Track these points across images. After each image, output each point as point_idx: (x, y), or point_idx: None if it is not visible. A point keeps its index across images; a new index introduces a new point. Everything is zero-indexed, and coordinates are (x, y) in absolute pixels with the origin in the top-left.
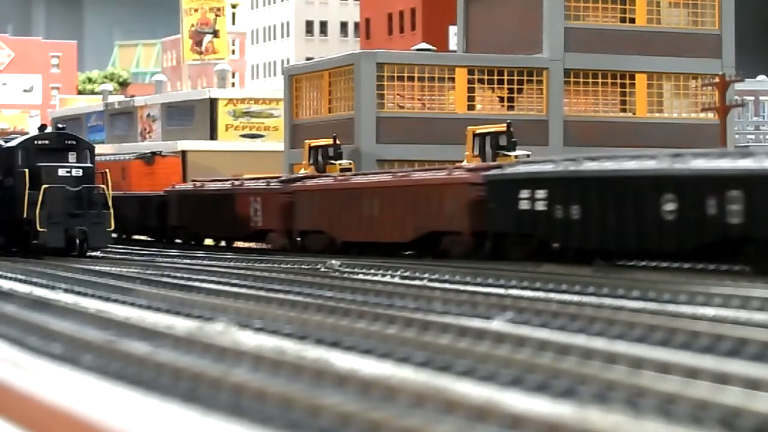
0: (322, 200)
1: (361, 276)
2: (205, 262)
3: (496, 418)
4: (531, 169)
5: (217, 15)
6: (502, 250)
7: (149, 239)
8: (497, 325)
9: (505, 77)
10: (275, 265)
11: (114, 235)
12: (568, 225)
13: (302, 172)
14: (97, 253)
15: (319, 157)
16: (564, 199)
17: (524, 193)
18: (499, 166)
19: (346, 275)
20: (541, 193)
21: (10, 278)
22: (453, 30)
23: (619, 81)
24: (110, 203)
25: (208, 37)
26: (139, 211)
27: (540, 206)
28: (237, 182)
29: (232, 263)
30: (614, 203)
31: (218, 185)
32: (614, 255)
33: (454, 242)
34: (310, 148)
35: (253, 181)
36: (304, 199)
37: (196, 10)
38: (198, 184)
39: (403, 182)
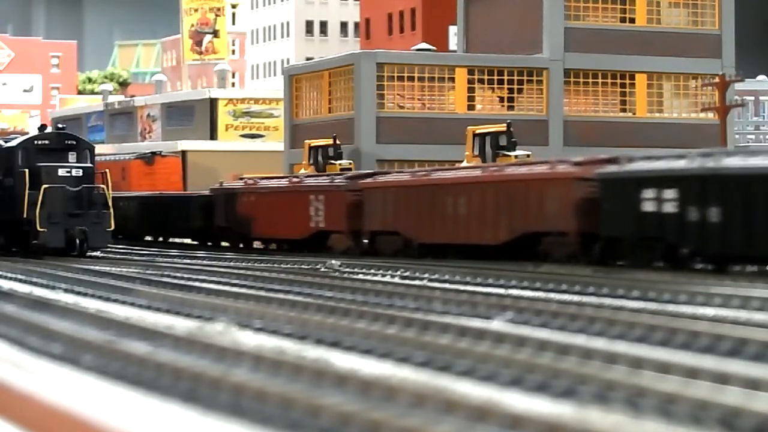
0: (397, 198)
1: (361, 276)
2: (205, 262)
3: (496, 418)
4: (656, 167)
5: (217, 15)
6: (615, 254)
7: (192, 242)
8: (497, 325)
9: (505, 77)
10: (275, 265)
11: (148, 238)
12: (705, 228)
13: (302, 172)
14: (97, 253)
15: (319, 157)
16: (700, 199)
17: (648, 193)
18: (613, 161)
19: (346, 275)
20: (670, 193)
21: (10, 278)
22: (453, 30)
23: (619, 81)
24: (110, 203)
25: (208, 37)
26: (178, 212)
27: (669, 208)
28: (295, 179)
29: (232, 263)
30: (764, 204)
31: (273, 183)
32: (759, 261)
33: (556, 244)
34: (310, 148)
35: (313, 178)
36: (376, 197)
37: (196, 10)
38: (249, 181)
39: (496, 177)
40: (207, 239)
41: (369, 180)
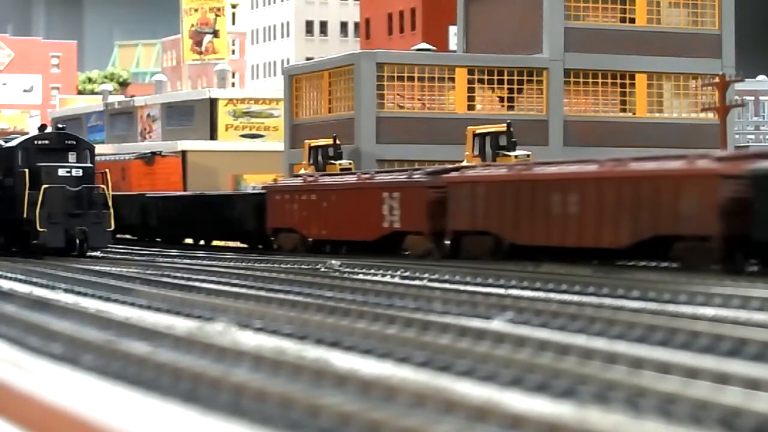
0: (489, 194)
1: (361, 276)
2: (205, 262)
3: (496, 418)
4: None
5: (217, 15)
6: None
7: (241, 246)
8: (497, 325)
9: (505, 77)
10: (275, 265)
11: (189, 241)
12: None
13: (302, 171)
14: (97, 253)
15: (319, 157)
16: None
17: None
18: (764, 156)
19: (346, 275)
20: None
21: (10, 278)
22: (453, 30)
23: (619, 81)
24: (110, 203)
25: (208, 37)
26: (227, 213)
27: None
28: (365, 175)
29: (232, 263)
30: None
31: (338, 179)
32: None
33: (693, 250)
34: (310, 148)
35: (385, 174)
36: (463, 194)
37: (196, 10)
38: (310, 177)
39: (618, 173)
40: (259, 243)
41: (455, 175)
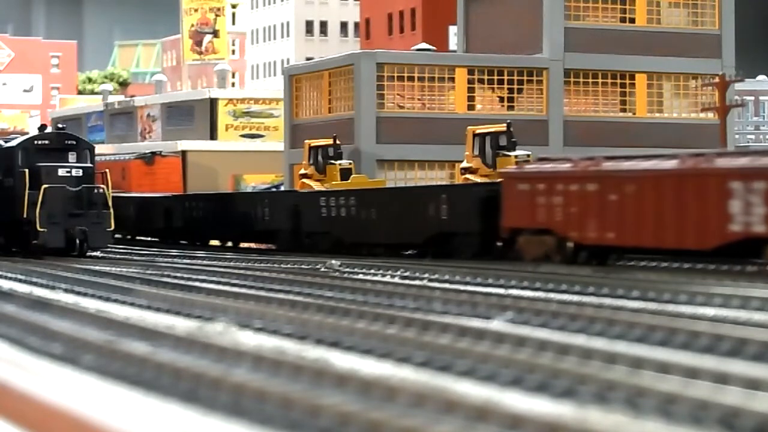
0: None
1: (361, 276)
2: (205, 262)
3: (496, 418)
4: None
5: (217, 15)
6: None
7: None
8: (497, 325)
9: (505, 77)
10: (275, 265)
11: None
12: None
13: (302, 171)
14: (97, 253)
15: (319, 157)
16: None
17: None
18: None
19: (346, 275)
20: None
21: (10, 278)
22: (453, 30)
23: (619, 81)
24: (110, 203)
25: (208, 37)
26: (418, 208)
27: None
28: (697, 157)
29: (232, 263)
30: None
31: (639, 163)
32: None
33: None
34: (310, 148)
35: (729, 157)
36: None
37: (196, 10)
38: (586, 162)
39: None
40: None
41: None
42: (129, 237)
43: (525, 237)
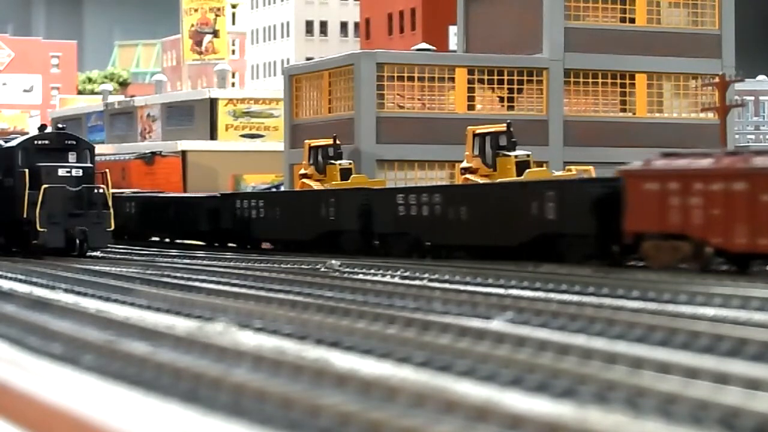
0: None
1: (361, 276)
2: (205, 262)
3: (496, 418)
4: None
5: (217, 15)
6: None
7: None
8: (497, 325)
9: (505, 77)
10: (275, 265)
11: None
12: None
13: (302, 171)
14: (97, 253)
15: (319, 157)
16: None
17: None
18: None
19: (346, 275)
20: None
21: (10, 278)
22: (453, 30)
23: (619, 81)
24: (110, 203)
25: (208, 37)
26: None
27: None
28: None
29: (232, 263)
30: None
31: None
32: None
33: None
34: (310, 148)
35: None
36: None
37: (196, 10)
38: (731, 158)
39: None
40: (606, 251)
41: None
42: (168, 241)
43: (652, 242)
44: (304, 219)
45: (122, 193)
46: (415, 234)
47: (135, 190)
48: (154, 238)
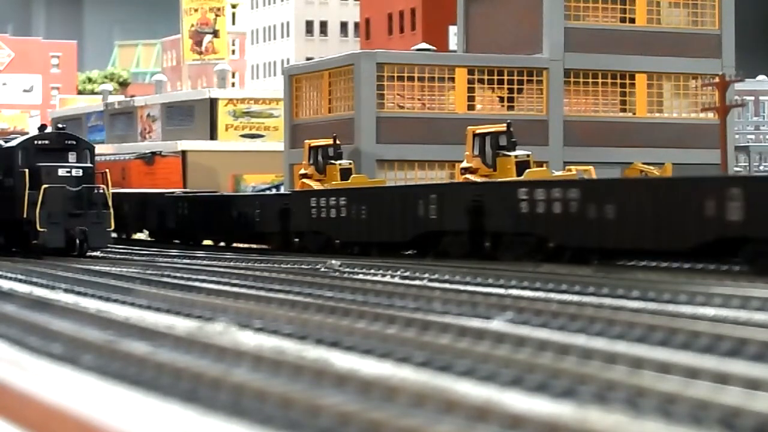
0: None
1: (361, 276)
2: (205, 262)
3: (496, 418)
4: None
5: (217, 15)
6: None
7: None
8: (497, 325)
9: (505, 77)
10: (275, 265)
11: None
12: None
13: (302, 171)
14: (97, 253)
15: (319, 157)
16: None
17: None
18: None
19: (346, 275)
20: None
21: (10, 278)
22: (453, 30)
23: (619, 81)
24: (110, 203)
25: (208, 37)
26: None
27: None
28: None
29: (232, 263)
30: None
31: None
32: None
33: None
34: (310, 148)
35: None
36: None
37: (196, 10)
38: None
39: None
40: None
41: None
42: (224, 245)
43: None
44: (395, 218)
45: (173, 193)
46: (540, 233)
47: (185, 189)
48: (206, 242)
